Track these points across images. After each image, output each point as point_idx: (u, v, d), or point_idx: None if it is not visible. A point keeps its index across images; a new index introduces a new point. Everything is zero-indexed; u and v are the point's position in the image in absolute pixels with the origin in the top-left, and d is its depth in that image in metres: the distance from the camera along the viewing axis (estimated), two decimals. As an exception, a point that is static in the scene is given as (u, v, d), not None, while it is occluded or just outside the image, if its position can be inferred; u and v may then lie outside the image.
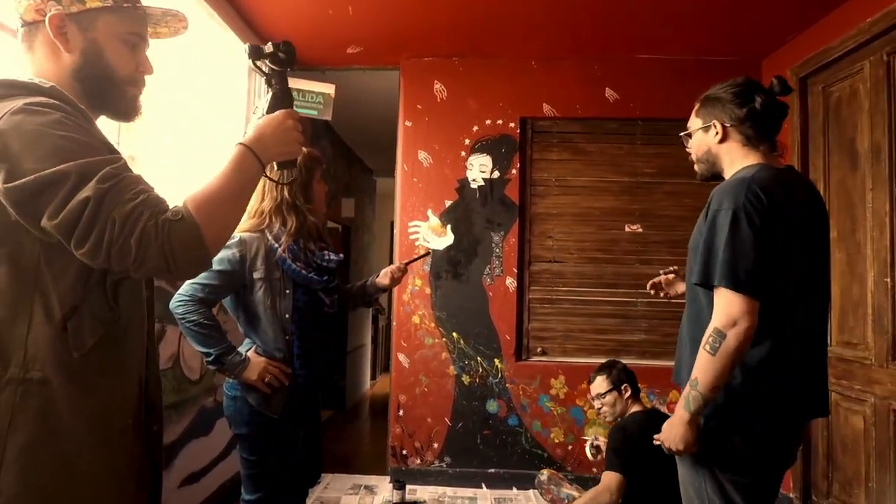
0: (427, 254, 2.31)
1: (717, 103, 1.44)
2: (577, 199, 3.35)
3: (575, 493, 2.61)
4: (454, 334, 3.26)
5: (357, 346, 5.90)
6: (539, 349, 3.32)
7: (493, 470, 3.20)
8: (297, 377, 1.67)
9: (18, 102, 0.83)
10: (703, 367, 1.27)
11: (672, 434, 1.33)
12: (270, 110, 1.07)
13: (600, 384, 2.38)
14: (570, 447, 3.20)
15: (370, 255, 6.58)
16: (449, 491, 3.12)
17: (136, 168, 0.90)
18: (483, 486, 3.17)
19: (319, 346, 1.74)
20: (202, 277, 1.58)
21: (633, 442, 2.10)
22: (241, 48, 2.93)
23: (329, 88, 2.54)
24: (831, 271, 2.68)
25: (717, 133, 1.43)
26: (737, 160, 1.43)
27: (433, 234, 3.30)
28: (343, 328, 5.37)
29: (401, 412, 3.26)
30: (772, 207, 1.28)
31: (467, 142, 3.31)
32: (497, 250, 3.28)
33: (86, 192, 0.79)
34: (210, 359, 1.61)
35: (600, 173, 3.35)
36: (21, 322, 0.84)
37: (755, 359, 1.32)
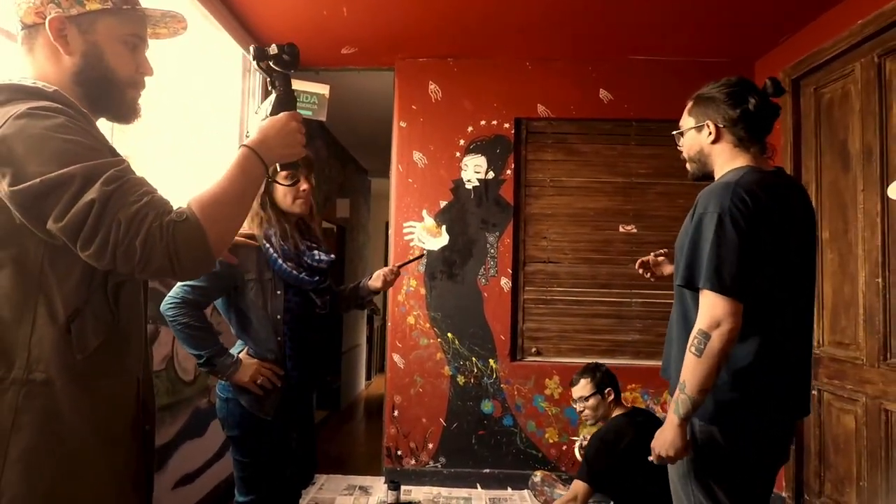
0: (420, 256, 2.31)
1: (710, 103, 1.44)
2: (572, 200, 3.36)
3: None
4: (449, 335, 3.26)
5: (352, 347, 5.89)
6: (534, 349, 3.33)
7: (487, 470, 3.20)
8: (290, 378, 1.66)
9: (22, 107, 0.84)
10: (690, 370, 1.28)
11: (663, 440, 1.34)
12: (274, 112, 1.07)
13: (583, 387, 2.38)
14: (564, 447, 3.20)
15: (365, 256, 6.58)
16: (444, 491, 3.12)
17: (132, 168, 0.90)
18: (478, 486, 3.18)
19: (312, 347, 1.73)
20: (193, 280, 1.57)
21: (609, 452, 2.13)
22: (236, 49, 2.94)
23: (324, 89, 2.54)
24: (823, 272, 2.72)
25: (710, 133, 1.44)
26: (727, 161, 1.43)
27: (428, 235, 3.30)
28: (338, 329, 5.37)
29: (396, 412, 3.26)
30: (757, 211, 1.29)
31: (462, 142, 3.31)
32: (492, 251, 3.29)
33: (91, 194, 0.80)
34: (201, 361, 1.60)
35: (594, 174, 3.36)
36: (25, 324, 0.85)
37: (745, 360, 1.32)
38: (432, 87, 3.32)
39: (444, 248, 3.29)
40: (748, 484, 1.36)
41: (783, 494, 2.85)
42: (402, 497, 2.87)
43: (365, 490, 3.11)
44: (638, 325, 3.30)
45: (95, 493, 0.90)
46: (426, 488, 3.15)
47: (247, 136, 1.02)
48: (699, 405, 1.29)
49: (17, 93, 0.87)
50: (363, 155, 5.73)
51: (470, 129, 3.31)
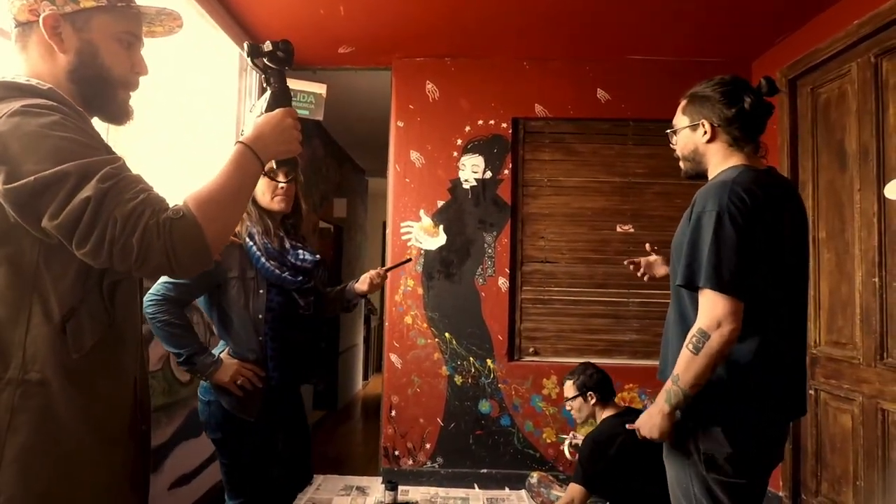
0: (408, 260, 2.28)
1: (705, 102, 1.43)
2: (569, 200, 3.36)
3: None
4: (446, 335, 3.26)
5: (349, 347, 5.88)
6: (531, 349, 3.33)
7: (485, 470, 3.20)
8: (271, 379, 1.63)
9: (16, 104, 0.83)
10: (685, 366, 1.29)
11: (650, 424, 1.36)
12: (269, 109, 1.07)
13: (568, 389, 2.44)
14: (561, 447, 3.20)
15: (362, 256, 6.57)
16: (441, 491, 3.12)
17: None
18: (475, 486, 3.17)
19: (294, 348, 1.70)
20: (173, 278, 1.55)
21: (602, 453, 2.14)
22: (232, 48, 2.93)
23: (321, 88, 2.53)
24: (820, 271, 2.73)
25: (705, 132, 1.43)
26: (722, 161, 1.43)
27: (425, 235, 3.29)
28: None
29: (393, 413, 3.25)
30: (754, 209, 1.29)
31: (459, 142, 3.31)
32: (489, 251, 3.29)
33: (86, 191, 0.79)
34: (181, 359, 1.58)
35: (592, 174, 3.36)
36: (20, 323, 0.85)
37: (743, 360, 1.32)
38: (430, 86, 3.32)
39: (441, 248, 3.29)
40: (749, 484, 1.36)
41: (780, 494, 2.85)
42: (400, 497, 2.86)
43: (362, 490, 3.10)
44: (635, 325, 3.30)
45: (92, 494, 0.89)
46: (424, 488, 3.14)
47: (242, 134, 1.02)
48: (689, 400, 1.29)
49: (11, 90, 0.86)
50: (360, 154, 5.72)
51: (467, 128, 3.30)
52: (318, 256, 1.76)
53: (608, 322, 3.31)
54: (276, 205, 1.69)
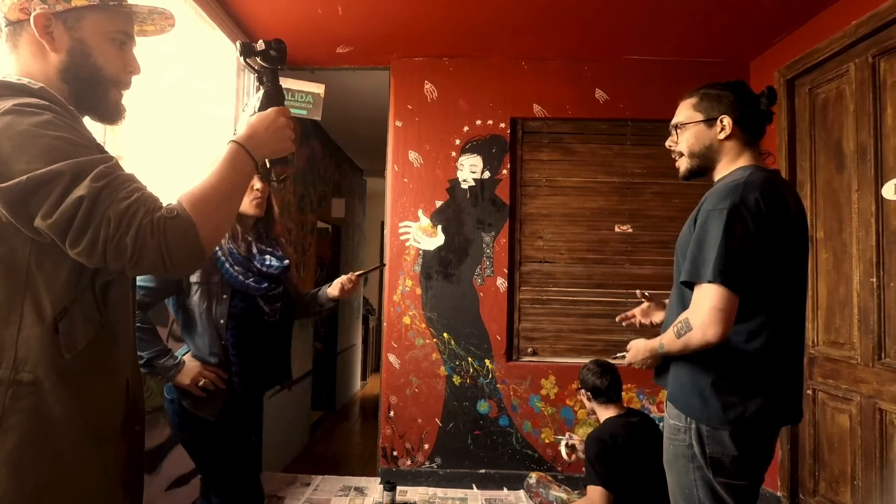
0: (382, 266, 2.25)
1: (722, 100, 1.44)
2: (568, 200, 3.36)
3: (563, 496, 2.61)
4: (445, 335, 3.26)
5: (347, 347, 5.88)
6: (530, 349, 3.32)
7: (483, 470, 3.20)
8: (232, 384, 1.62)
9: (7, 103, 0.82)
10: (669, 343, 1.38)
11: (639, 357, 1.49)
12: (262, 108, 1.07)
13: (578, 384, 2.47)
14: (559, 447, 3.20)
15: (361, 256, 6.56)
16: (439, 492, 3.11)
17: (124, 168, 0.89)
18: (474, 486, 3.17)
19: (258, 354, 1.67)
20: (138, 280, 1.57)
21: (609, 451, 2.12)
22: (229, 47, 2.92)
23: (318, 88, 2.52)
24: (818, 271, 2.73)
25: (722, 129, 1.43)
26: (733, 159, 1.44)
27: (424, 235, 3.29)
28: (334, 330, 5.36)
29: (391, 413, 3.25)
30: (767, 210, 1.29)
31: (458, 142, 3.30)
32: (488, 251, 3.28)
33: (80, 190, 0.79)
34: (141, 362, 1.57)
35: (590, 174, 3.36)
36: (12, 323, 0.84)
37: (751, 362, 1.33)
38: (428, 86, 3.32)
39: (440, 248, 3.28)
40: (750, 486, 1.37)
41: (778, 494, 2.85)
42: (398, 498, 2.86)
43: (360, 491, 3.10)
44: (634, 326, 3.29)
45: (85, 493, 0.89)
46: (422, 489, 3.14)
47: (235, 133, 1.02)
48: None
49: (2, 89, 0.86)
50: (358, 154, 5.71)
51: (466, 128, 3.30)
52: (286, 262, 1.73)
53: (607, 322, 3.30)
54: (252, 209, 1.69)
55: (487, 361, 3.24)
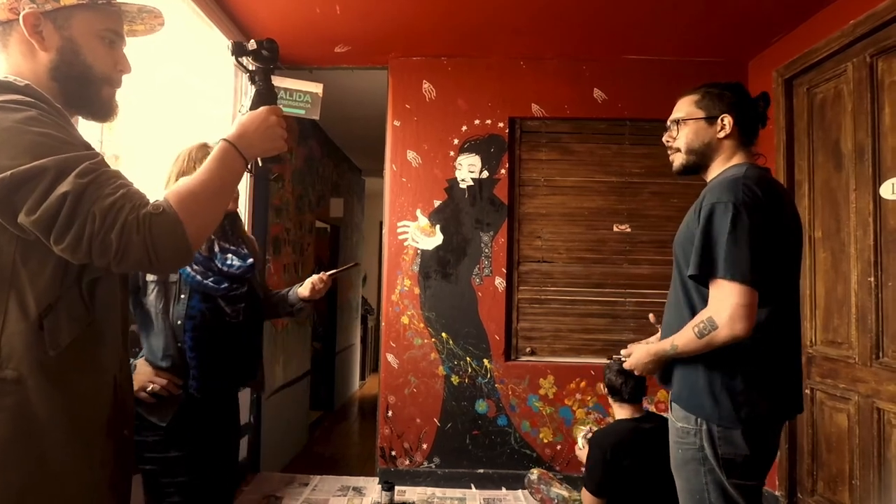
0: (355, 265, 2.18)
1: (723, 98, 1.46)
2: (566, 199, 3.36)
3: (564, 493, 2.61)
4: (443, 334, 3.26)
5: (346, 347, 5.87)
6: (528, 349, 3.32)
7: (482, 470, 3.20)
8: (189, 387, 1.54)
9: None
10: (684, 344, 1.35)
11: (642, 362, 1.49)
12: (254, 107, 1.07)
13: None
14: (558, 447, 3.20)
15: (359, 256, 6.56)
16: (438, 492, 3.11)
17: (121, 168, 0.89)
18: (472, 486, 3.17)
19: (219, 357, 1.58)
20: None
21: (602, 461, 2.11)
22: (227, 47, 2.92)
23: (317, 87, 2.51)
24: (816, 271, 2.74)
25: (722, 128, 1.45)
26: (728, 157, 1.46)
27: (422, 234, 3.29)
28: (332, 330, 5.35)
29: (390, 413, 3.25)
30: (766, 204, 1.31)
31: (456, 141, 3.30)
32: (486, 250, 3.28)
33: (64, 186, 0.78)
34: None
35: (588, 173, 3.36)
36: None
37: (759, 360, 1.33)
38: (426, 86, 3.31)
39: (438, 248, 3.28)
40: (758, 486, 1.37)
41: (777, 493, 2.86)
42: (397, 498, 2.86)
43: (359, 491, 3.10)
44: (632, 325, 3.30)
45: (70, 492, 0.89)
46: (420, 489, 3.14)
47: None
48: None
49: None
50: (357, 154, 5.71)
51: (464, 128, 3.30)
52: (250, 261, 1.65)
53: (605, 322, 3.31)
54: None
55: (486, 361, 3.24)
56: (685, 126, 1.50)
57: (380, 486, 2.90)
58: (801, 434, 2.75)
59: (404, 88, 3.32)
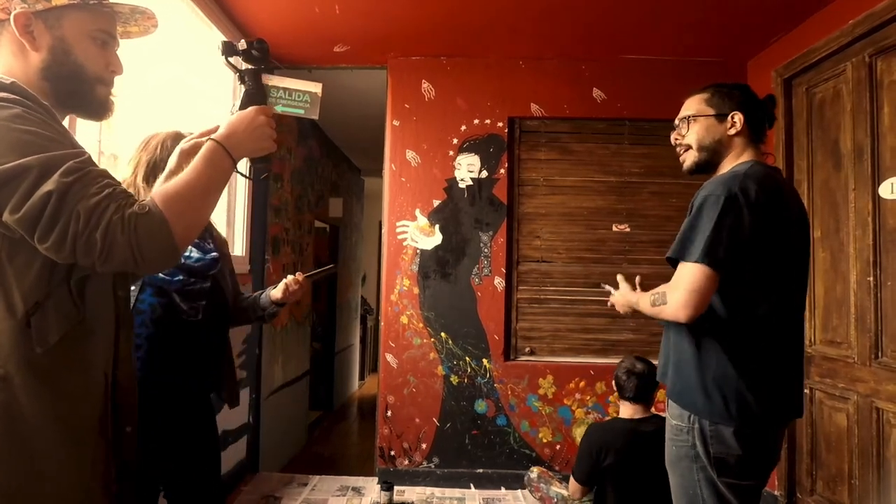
0: (332, 267, 2.10)
1: (734, 97, 1.47)
2: (565, 199, 3.36)
3: (563, 492, 2.61)
4: (442, 334, 3.25)
5: (345, 347, 5.87)
6: (527, 349, 3.32)
7: (481, 470, 3.19)
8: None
9: None
10: (644, 306, 1.52)
11: (620, 302, 1.74)
12: (243, 107, 1.06)
13: None
14: (558, 447, 3.20)
15: (358, 256, 6.56)
16: (437, 492, 3.11)
17: (119, 168, 0.88)
18: (471, 486, 3.17)
19: (171, 354, 1.48)
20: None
21: (589, 459, 2.18)
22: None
23: (316, 87, 2.51)
24: (815, 271, 2.73)
25: (732, 125, 1.46)
26: (737, 155, 1.47)
27: (421, 234, 3.29)
28: (332, 330, 5.35)
29: (389, 413, 3.24)
30: (766, 201, 1.31)
31: (455, 141, 3.30)
32: (485, 250, 3.28)
33: (48, 185, 0.78)
34: None
35: (588, 173, 3.36)
36: None
37: (752, 359, 1.33)
38: (425, 85, 3.31)
39: (437, 248, 3.28)
40: (756, 486, 1.37)
41: (776, 493, 2.86)
42: (396, 498, 2.86)
43: (358, 491, 3.09)
44: (631, 325, 3.30)
45: (59, 492, 0.88)
46: (419, 489, 3.14)
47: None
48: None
49: None
50: (356, 154, 5.71)
51: (463, 127, 3.30)
52: (212, 255, 1.55)
53: (604, 321, 3.31)
54: None
55: (485, 361, 3.24)
56: (695, 123, 1.50)
57: (379, 486, 2.90)
58: (800, 434, 2.76)
59: (403, 88, 3.32)
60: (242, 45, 1.11)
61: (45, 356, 0.86)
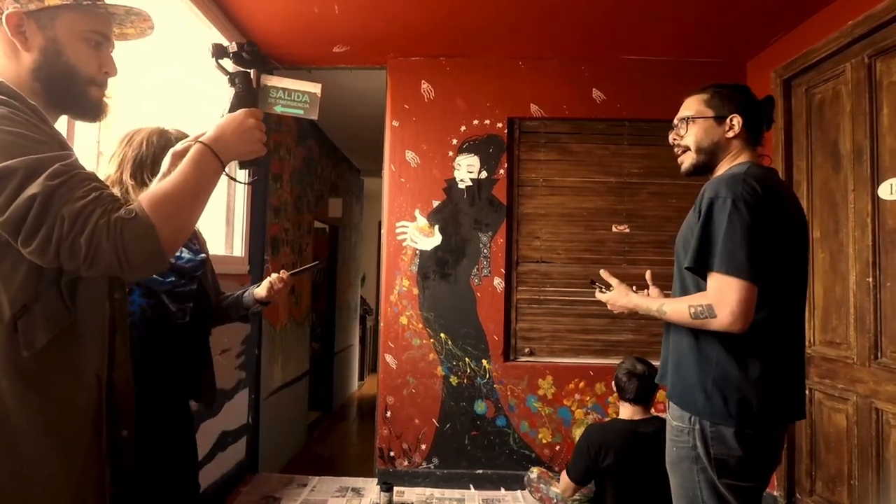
0: (317, 264, 2.06)
1: (733, 99, 1.48)
2: (565, 200, 3.36)
3: (563, 493, 2.62)
4: (442, 335, 3.25)
5: (345, 347, 5.87)
6: (527, 349, 3.32)
7: (480, 471, 3.19)
8: None
9: None
10: (676, 316, 1.39)
11: (619, 303, 1.70)
12: (232, 109, 1.06)
13: None
14: (557, 447, 3.20)
15: (358, 256, 6.55)
16: (437, 492, 3.11)
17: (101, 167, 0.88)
18: (471, 487, 3.17)
19: (161, 360, 1.46)
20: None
21: (585, 458, 2.19)
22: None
23: (315, 87, 2.51)
24: (814, 271, 2.73)
25: (731, 128, 1.46)
26: (735, 157, 1.47)
27: (421, 235, 3.29)
28: (331, 330, 5.35)
29: (388, 413, 3.24)
30: (767, 200, 1.31)
31: (455, 142, 3.30)
32: (485, 251, 3.28)
33: (33, 188, 0.77)
34: None
35: (587, 174, 3.36)
36: None
37: (755, 361, 1.32)
38: (425, 86, 3.31)
39: (437, 248, 3.28)
40: (757, 487, 1.37)
41: (775, 493, 2.86)
42: (395, 498, 2.86)
43: (357, 492, 3.09)
44: (631, 325, 3.30)
45: (49, 494, 0.87)
46: (419, 489, 3.13)
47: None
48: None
49: None
50: (355, 154, 5.71)
51: (463, 128, 3.30)
52: (201, 256, 1.55)
53: (604, 322, 3.30)
54: None
55: (484, 361, 3.24)
56: (694, 124, 1.50)
57: (378, 486, 2.90)
58: (799, 434, 2.75)
59: (403, 88, 3.31)
60: (233, 47, 1.11)
61: (32, 360, 0.84)
